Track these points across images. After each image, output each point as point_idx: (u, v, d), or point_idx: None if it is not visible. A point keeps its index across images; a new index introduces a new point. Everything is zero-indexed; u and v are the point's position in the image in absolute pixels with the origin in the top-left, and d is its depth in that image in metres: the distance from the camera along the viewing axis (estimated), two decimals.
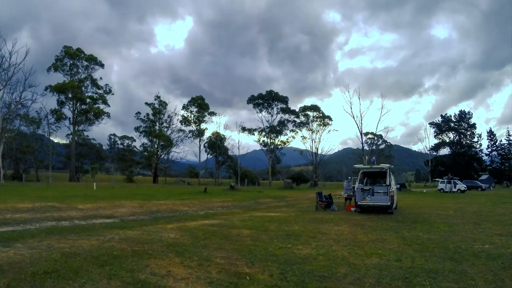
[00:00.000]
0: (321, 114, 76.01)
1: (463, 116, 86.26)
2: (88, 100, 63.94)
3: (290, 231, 10.49)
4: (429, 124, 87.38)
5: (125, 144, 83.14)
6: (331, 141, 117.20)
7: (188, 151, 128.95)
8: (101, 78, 66.86)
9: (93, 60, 64.99)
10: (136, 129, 77.29)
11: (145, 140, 78.13)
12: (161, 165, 77.50)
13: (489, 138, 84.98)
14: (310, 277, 5.59)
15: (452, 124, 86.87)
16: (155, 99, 76.55)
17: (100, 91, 66.57)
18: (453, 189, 43.47)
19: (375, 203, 16.69)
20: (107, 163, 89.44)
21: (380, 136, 78.70)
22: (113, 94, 68.60)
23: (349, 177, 22.25)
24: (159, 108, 76.47)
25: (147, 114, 76.60)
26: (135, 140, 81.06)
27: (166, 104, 77.02)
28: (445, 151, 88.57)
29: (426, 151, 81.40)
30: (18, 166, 60.32)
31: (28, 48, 41.71)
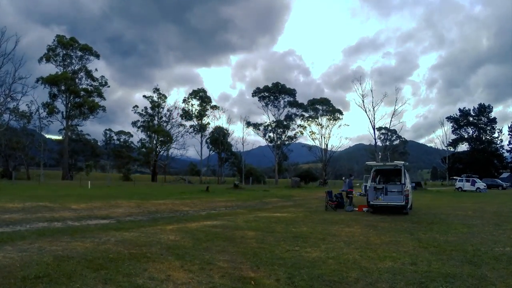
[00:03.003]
0: (331, 108, 75.85)
1: (483, 110, 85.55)
2: (82, 92, 64.03)
3: (298, 232, 10.49)
4: (446, 118, 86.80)
5: (121, 140, 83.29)
6: (342, 136, 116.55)
7: (189, 148, 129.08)
8: (96, 69, 67.11)
9: (88, 50, 65.06)
10: (134, 123, 77.52)
11: (143, 136, 78.27)
12: (160, 162, 77.70)
13: (511, 133, 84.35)
14: (319, 282, 5.58)
15: (471, 119, 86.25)
16: (154, 92, 76.82)
17: (95, 83, 66.72)
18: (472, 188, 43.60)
19: (389, 203, 16.64)
20: (102, 160, 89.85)
21: (394, 132, 78.39)
22: (108, 86, 68.83)
23: (344, 177, 22.16)
24: (158, 102, 76.62)
25: (145, 108, 76.90)
26: (132, 136, 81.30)
27: (166, 97, 77.32)
28: (463, 147, 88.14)
29: (443, 148, 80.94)
30: (8, 164, 60.56)
31: (19, 37, 41.83)
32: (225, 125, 78.03)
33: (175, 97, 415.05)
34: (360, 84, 54.83)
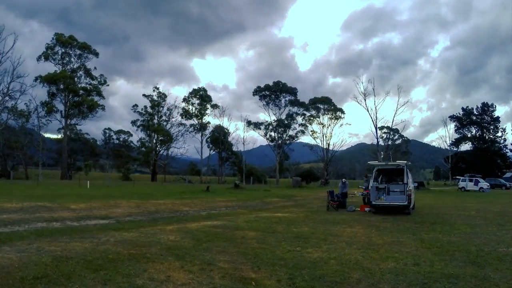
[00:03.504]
0: (332, 107, 75.89)
1: (486, 109, 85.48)
2: (81, 91, 63.97)
3: (299, 233, 10.49)
4: (449, 117, 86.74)
5: (121, 139, 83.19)
6: (345, 134, 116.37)
7: (189, 147, 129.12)
8: (95, 67, 67.15)
9: (87, 49, 64.99)
10: (133, 122, 77.50)
11: (142, 135, 78.21)
12: (160, 162, 77.68)
13: None
14: (321, 282, 5.57)
15: (474, 118, 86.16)
16: (154, 91, 76.87)
17: (94, 82, 66.72)
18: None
19: (391, 203, 16.61)
20: (101, 160, 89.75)
21: (396, 131, 78.28)
22: (108, 85, 68.85)
23: (343, 179, 22.17)
24: (157, 101, 76.61)
25: (145, 107, 76.88)
26: (132, 135, 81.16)
27: (166, 96, 77.36)
28: (466, 146, 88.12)
29: (446, 147, 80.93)
30: (6, 163, 60.48)
31: (17, 36, 41.84)
32: (219, 120, 78.13)
33: (164, 88, 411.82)
34: (362, 82, 54.62)
